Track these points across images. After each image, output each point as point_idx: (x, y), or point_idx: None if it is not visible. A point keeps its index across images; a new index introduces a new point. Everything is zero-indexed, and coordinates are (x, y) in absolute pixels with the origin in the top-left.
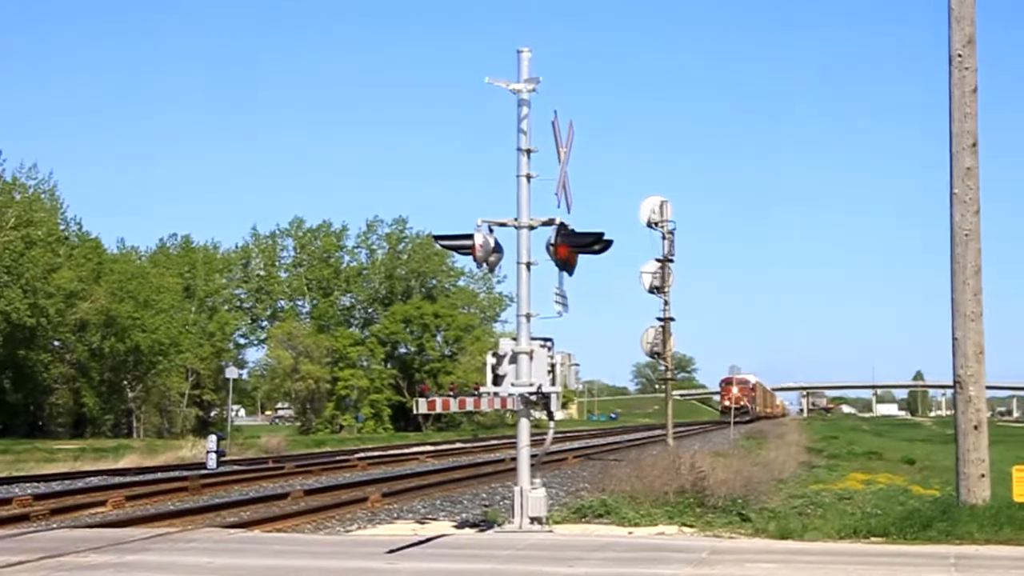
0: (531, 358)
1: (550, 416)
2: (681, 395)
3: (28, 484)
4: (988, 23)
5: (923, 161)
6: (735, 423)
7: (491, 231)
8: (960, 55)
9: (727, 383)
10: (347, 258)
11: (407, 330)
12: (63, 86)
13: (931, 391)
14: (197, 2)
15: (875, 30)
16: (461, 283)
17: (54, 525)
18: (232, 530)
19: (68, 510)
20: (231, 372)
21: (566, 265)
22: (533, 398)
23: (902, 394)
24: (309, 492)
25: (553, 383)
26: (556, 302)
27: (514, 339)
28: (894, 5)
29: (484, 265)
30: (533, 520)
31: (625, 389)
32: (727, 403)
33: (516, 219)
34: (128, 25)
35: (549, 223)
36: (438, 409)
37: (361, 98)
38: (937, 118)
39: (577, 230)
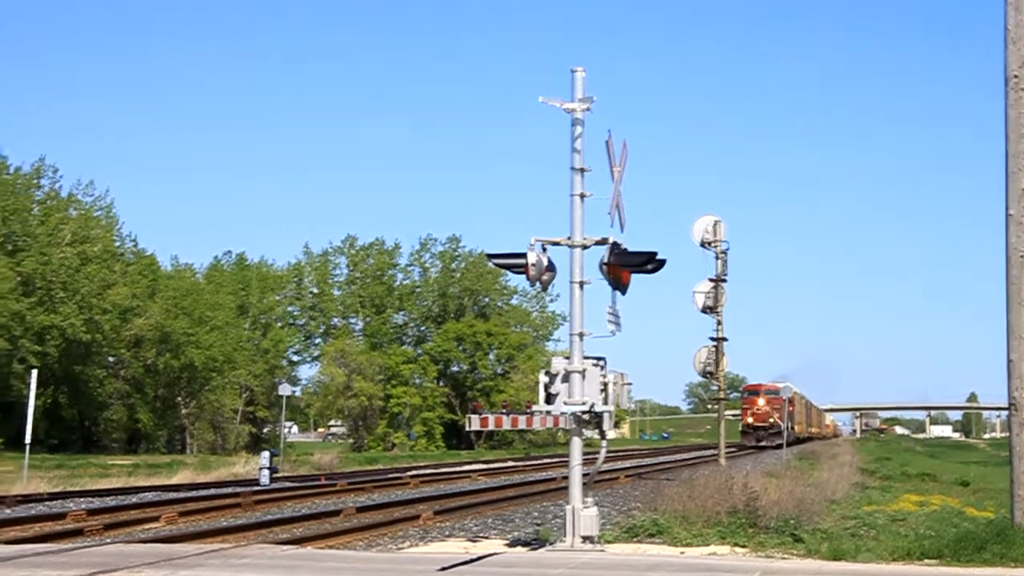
0: (583, 377)
1: (602, 435)
2: (733, 415)
3: (82, 499)
4: None
5: (978, 182)
6: (761, 447)
7: (544, 250)
8: (1016, 76)
9: (752, 393)
10: (400, 276)
11: (460, 348)
12: (120, 107)
13: (985, 413)
14: (252, 21)
15: (932, 55)
16: (514, 301)
17: (108, 540)
18: (284, 546)
19: (122, 525)
20: (284, 389)
21: (619, 284)
22: (585, 417)
23: (956, 415)
24: (361, 509)
25: (605, 402)
26: (609, 321)
27: (567, 358)
28: (953, 30)
29: (537, 284)
30: (585, 539)
31: (677, 408)
32: (750, 420)
33: (569, 238)
34: (182, 45)
35: (602, 242)
36: (490, 426)
37: (415, 116)
38: (994, 138)
39: (630, 249)
